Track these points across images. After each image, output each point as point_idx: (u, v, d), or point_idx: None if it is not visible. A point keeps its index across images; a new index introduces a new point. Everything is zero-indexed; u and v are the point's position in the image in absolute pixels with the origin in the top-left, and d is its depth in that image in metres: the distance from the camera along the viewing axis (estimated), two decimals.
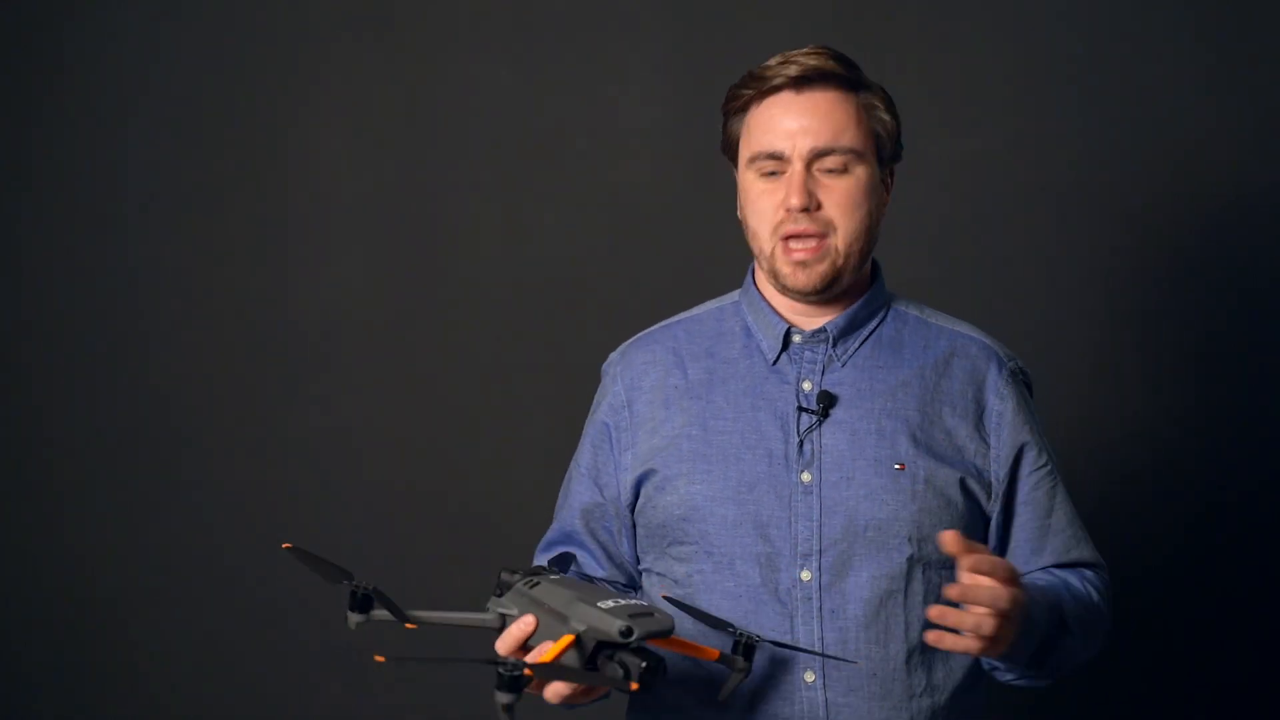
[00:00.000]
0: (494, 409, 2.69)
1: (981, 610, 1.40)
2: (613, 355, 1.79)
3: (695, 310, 1.78)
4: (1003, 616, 1.41)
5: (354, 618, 1.47)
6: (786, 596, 1.57)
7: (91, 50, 2.73)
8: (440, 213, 2.70)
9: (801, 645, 1.55)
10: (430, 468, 2.70)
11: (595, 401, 1.78)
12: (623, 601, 1.40)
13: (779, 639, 1.55)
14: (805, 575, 1.57)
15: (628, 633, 1.35)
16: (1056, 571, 1.66)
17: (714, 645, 1.50)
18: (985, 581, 1.41)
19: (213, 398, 2.73)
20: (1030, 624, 1.48)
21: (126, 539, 2.73)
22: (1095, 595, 1.65)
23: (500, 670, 1.31)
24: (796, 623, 1.57)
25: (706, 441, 1.64)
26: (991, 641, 1.42)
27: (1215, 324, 2.57)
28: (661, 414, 1.68)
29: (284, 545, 1.53)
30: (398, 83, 2.70)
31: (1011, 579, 1.42)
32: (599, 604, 1.39)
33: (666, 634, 1.39)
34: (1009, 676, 1.61)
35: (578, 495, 1.74)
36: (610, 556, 1.73)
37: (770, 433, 1.62)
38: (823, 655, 1.55)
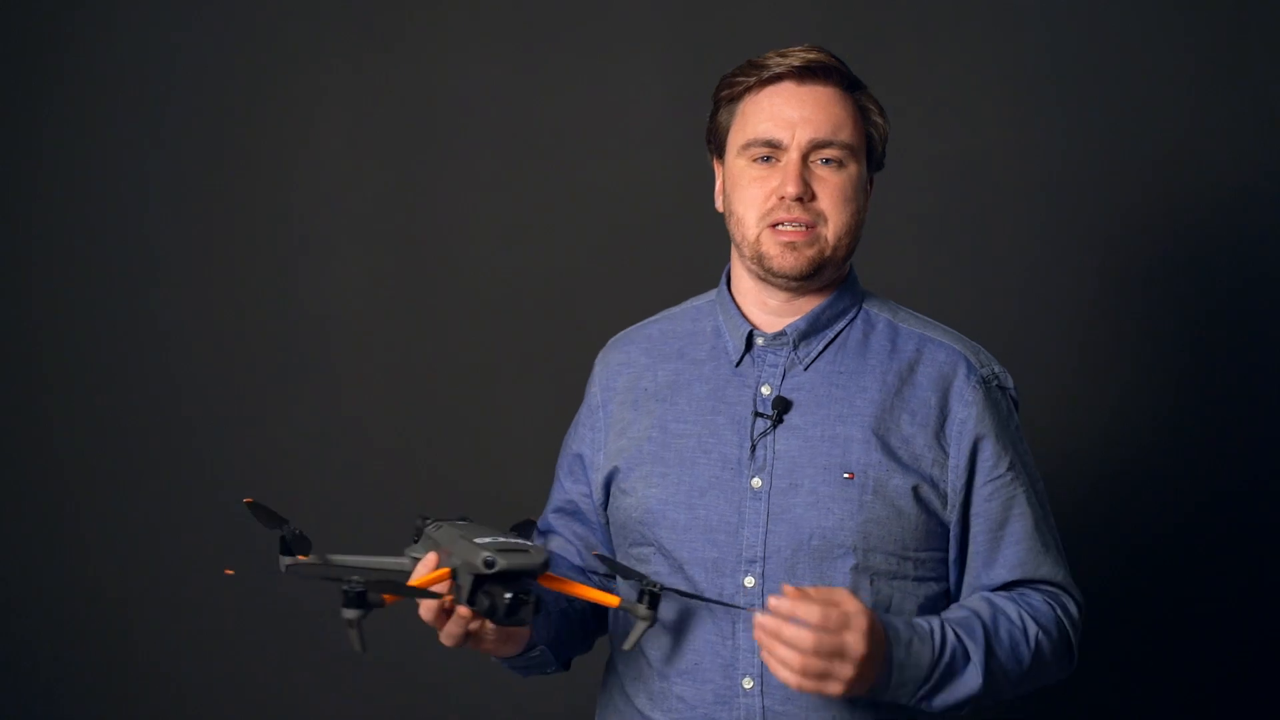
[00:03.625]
0: (495, 407, 2.71)
1: (787, 650, 1.41)
2: (601, 352, 1.80)
3: (676, 308, 1.78)
4: (815, 655, 1.40)
5: (284, 560, 1.56)
6: (730, 602, 1.56)
7: (97, 52, 2.75)
8: (441, 212, 2.72)
9: (717, 599, 1.56)
10: (432, 467, 2.72)
11: (584, 397, 1.80)
12: (501, 539, 1.44)
13: (720, 640, 1.57)
14: (749, 581, 1.57)
15: (491, 564, 1.39)
16: (995, 597, 1.60)
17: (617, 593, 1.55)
18: (787, 626, 1.41)
19: (215, 397, 2.75)
20: (893, 664, 1.47)
21: (129, 538, 2.76)
22: (1033, 626, 1.57)
23: (344, 589, 1.37)
24: (738, 628, 1.57)
25: (665, 445, 1.64)
26: (823, 681, 1.42)
27: (1200, 326, 2.54)
28: (630, 415, 1.69)
29: (246, 500, 1.60)
30: (398, 83, 2.71)
31: (839, 625, 1.41)
32: (476, 539, 1.43)
33: (535, 570, 1.41)
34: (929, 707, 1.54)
35: (555, 493, 1.78)
36: (590, 548, 1.75)
37: (727, 437, 1.62)
38: (717, 603, 1.55)
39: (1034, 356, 2.35)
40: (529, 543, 1.44)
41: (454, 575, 1.44)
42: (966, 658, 1.52)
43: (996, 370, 1.67)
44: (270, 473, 2.73)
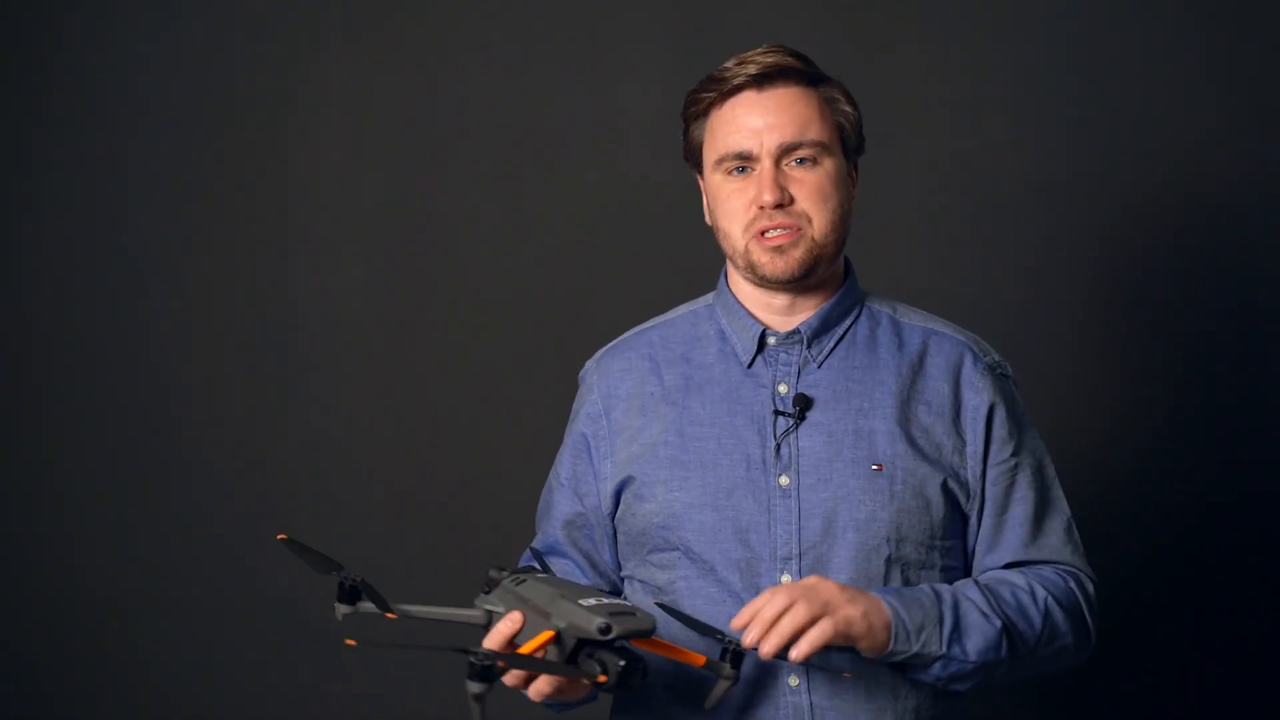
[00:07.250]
0: (492, 410, 2.70)
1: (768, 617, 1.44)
2: (589, 363, 1.78)
3: (669, 315, 1.77)
4: (794, 604, 1.43)
5: (341, 609, 1.47)
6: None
7: (92, 50, 2.73)
8: (439, 214, 2.71)
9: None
10: (428, 470, 2.70)
11: (574, 410, 1.77)
12: (605, 600, 1.40)
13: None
14: (785, 579, 1.57)
15: (606, 630, 1.35)
16: (1001, 571, 1.63)
17: (702, 652, 1.48)
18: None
19: (213, 399, 2.73)
20: (890, 606, 1.49)
21: (127, 538, 2.73)
22: (1042, 591, 1.60)
23: (471, 660, 1.31)
24: None
25: (684, 448, 1.63)
26: (817, 627, 1.44)
27: (1202, 327, 2.57)
28: (639, 421, 1.67)
29: (279, 536, 1.53)
30: (396, 83, 2.71)
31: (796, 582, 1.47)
32: (580, 601, 1.39)
33: (647, 634, 1.39)
34: (923, 675, 1.55)
35: (559, 507, 1.73)
36: (594, 565, 1.72)
37: (747, 437, 1.62)
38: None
39: (1032, 357, 2.34)
40: (634, 606, 1.41)
41: (557, 637, 1.39)
42: (971, 602, 1.54)
43: (998, 358, 1.71)
44: (268, 474, 2.71)
